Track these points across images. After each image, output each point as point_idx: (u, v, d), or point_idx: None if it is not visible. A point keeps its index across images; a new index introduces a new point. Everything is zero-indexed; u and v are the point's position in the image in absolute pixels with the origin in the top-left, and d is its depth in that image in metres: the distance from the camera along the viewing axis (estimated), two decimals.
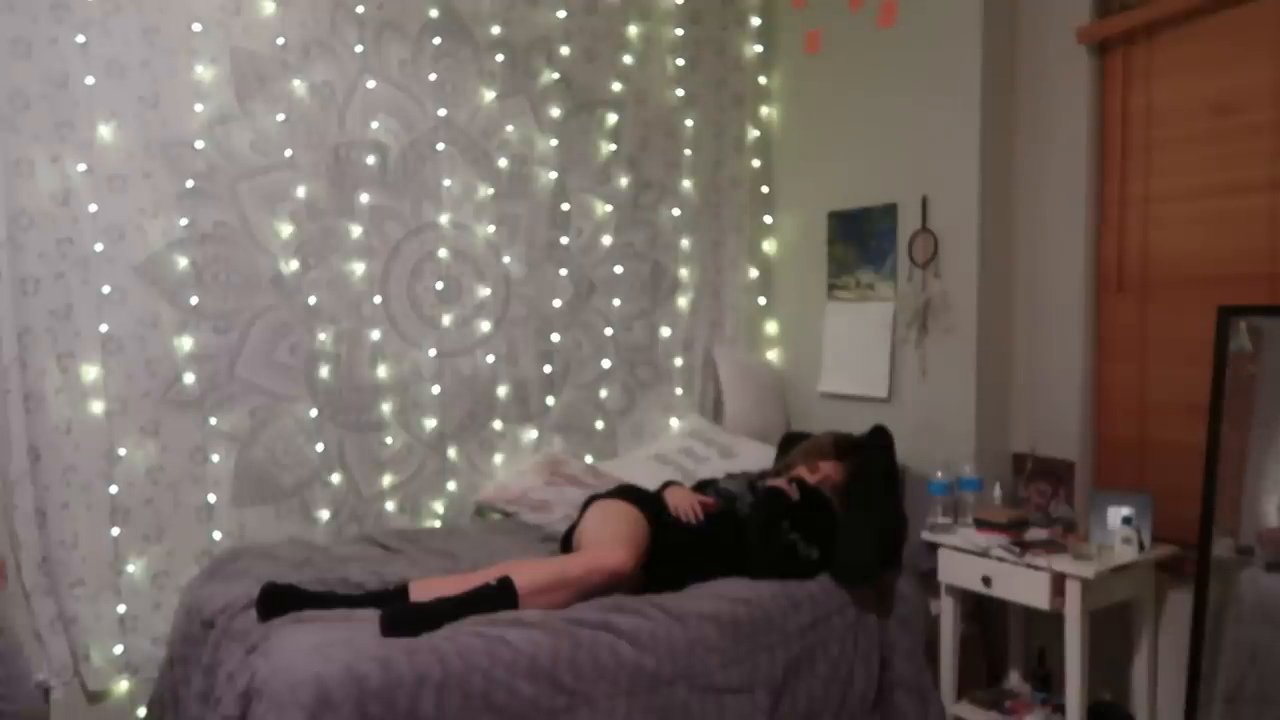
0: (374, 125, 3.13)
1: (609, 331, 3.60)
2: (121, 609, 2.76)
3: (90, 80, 2.70)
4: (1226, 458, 2.49)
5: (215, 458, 2.91)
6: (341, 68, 3.08)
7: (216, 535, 2.90)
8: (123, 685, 2.76)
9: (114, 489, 2.76)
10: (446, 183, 3.26)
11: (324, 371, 3.07)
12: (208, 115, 2.87)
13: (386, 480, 3.20)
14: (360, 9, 3.09)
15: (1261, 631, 2.41)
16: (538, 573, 2.44)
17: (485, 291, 3.36)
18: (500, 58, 3.35)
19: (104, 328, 2.74)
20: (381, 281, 3.17)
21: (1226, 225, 2.63)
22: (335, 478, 3.09)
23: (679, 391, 3.74)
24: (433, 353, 3.26)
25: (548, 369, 3.48)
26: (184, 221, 2.85)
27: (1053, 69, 2.99)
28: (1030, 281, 3.09)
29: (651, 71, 3.65)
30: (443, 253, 3.27)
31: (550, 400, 3.49)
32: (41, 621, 2.64)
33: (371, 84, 3.12)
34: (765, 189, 3.89)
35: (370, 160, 3.13)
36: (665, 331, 3.72)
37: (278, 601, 2.24)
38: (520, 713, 2.14)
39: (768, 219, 3.90)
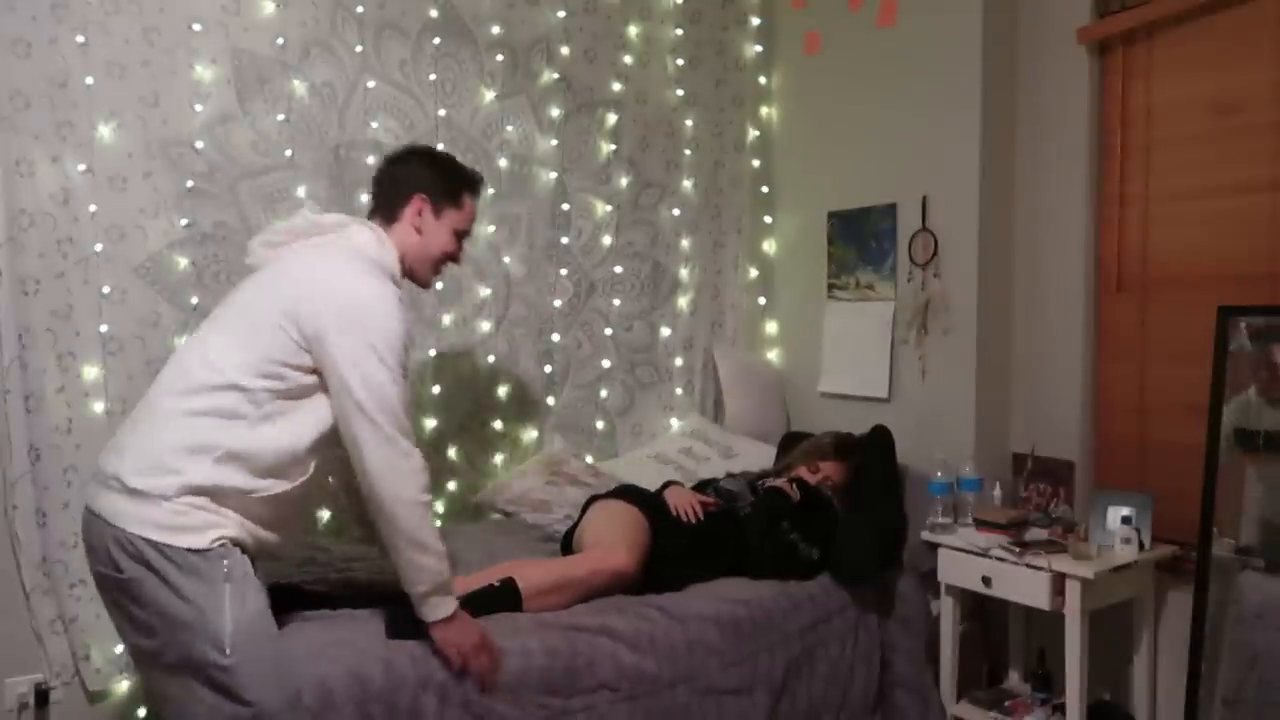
0: (374, 125, 3.13)
1: (609, 331, 3.60)
2: None
3: (90, 80, 2.69)
4: (1226, 458, 2.50)
5: None
6: (341, 68, 3.08)
7: None
8: (123, 685, 2.76)
9: None
10: None
11: None
12: (208, 115, 2.87)
13: None
14: (360, 9, 3.09)
15: (1262, 632, 2.41)
16: (542, 574, 2.44)
17: (485, 291, 3.36)
18: (500, 58, 3.35)
19: (104, 328, 2.74)
20: None
21: (1227, 225, 2.64)
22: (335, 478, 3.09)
23: (679, 391, 3.74)
24: (433, 353, 3.26)
25: (548, 369, 3.48)
26: (184, 221, 2.84)
27: (1053, 69, 2.99)
28: (1030, 281, 3.09)
29: (651, 71, 3.65)
30: None
31: (550, 400, 3.49)
32: (41, 621, 2.64)
33: (371, 84, 3.12)
34: (765, 189, 3.89)
35: (370, 160, 3.12)
36: (665, 331, 3.72)
37: (281, 601, 2.24)
38: (520, 718, 2.14)
39: (768, 219, 3.90)
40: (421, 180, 2.17)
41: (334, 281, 1.97)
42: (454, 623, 2.05)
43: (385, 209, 2.17)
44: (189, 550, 1.82)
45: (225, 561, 1.85)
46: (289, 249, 2.08)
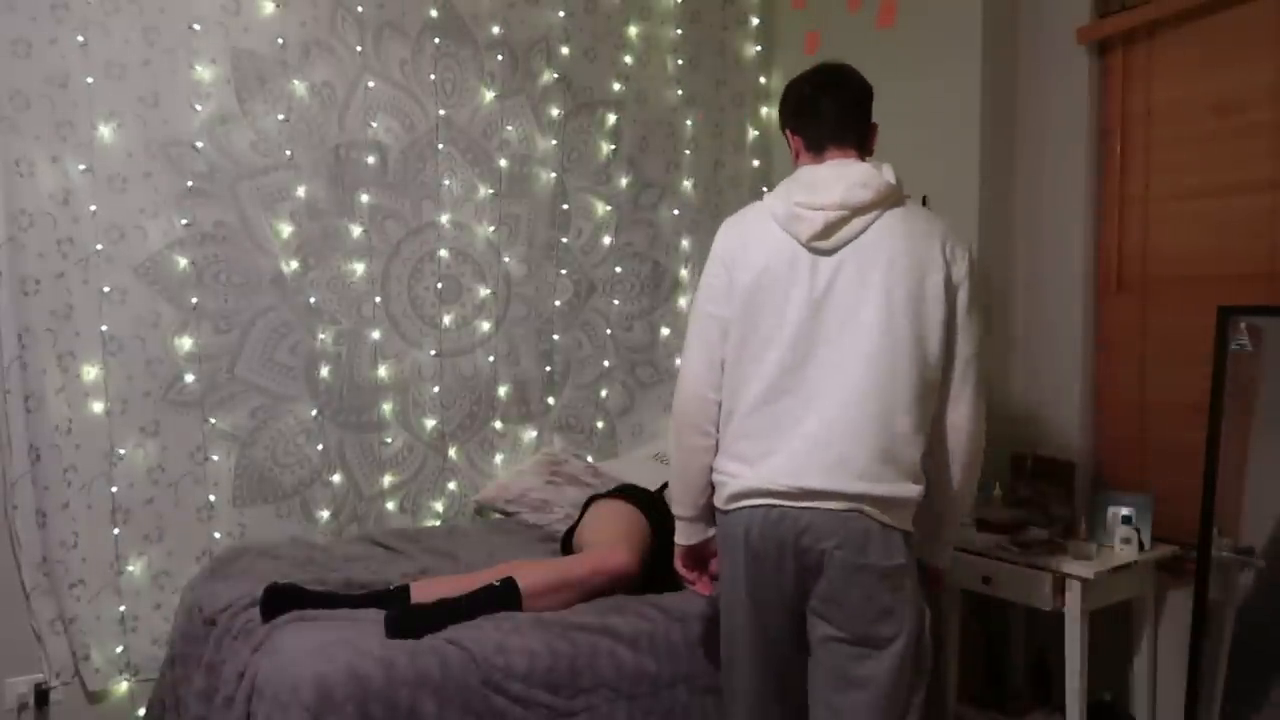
0: (374, 125, 3.13)
1: (609, 331, 3.60)
2: (122, 609, 2.76)
3: (90, 80, 2.70)
4: (1226, 458, 2.49)
5: (215, 458, 2.91)
6: (341, 68, 3.08)
7: (217, 535, 2.90)
8: (123, 685, 2.76)
9: (114, 489, 2.76)
10: (446, 183, 3.26)
11: (324, 371, 3.07)
12: (208, 115, 2.87)
13: (387, 480, 3.20)
14: (360, 9, 3.09)
15: (1262, 631, 2.41)
16: (542, 573, 2.44)
17: (485, 291, 3.36)
18: (500, 58, 3.35)
19: (104, 328, 2.74)
20: (382, 281, 3.17)
21: (1227, 225, 2.64)
22: (336, 478, 3.09)
23: None
24: (433, 353, 3.27)
25: (548, 369, 3.48)
26: (184, 221, 2.85)
27: (1053, 69, 2.99)
28: (1030, 281, 3.09)
29: (651, 71, 3.65)
30: (443, 253, 3.27)
31: (550, 400, 3.49)
32: (41, 621, 2.64)
33: (371, 84, 3.12)
34: (765, 189, 3.88)
35: (370, 160, 3.13)
36: (665, 331, 3.71)
37: (281, 601, 2.24)
38: (520, 717, 2.14)
39: None
40: (871, 103, 2.09)
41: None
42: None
43: (860, 142, 2.07)
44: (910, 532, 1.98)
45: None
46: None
